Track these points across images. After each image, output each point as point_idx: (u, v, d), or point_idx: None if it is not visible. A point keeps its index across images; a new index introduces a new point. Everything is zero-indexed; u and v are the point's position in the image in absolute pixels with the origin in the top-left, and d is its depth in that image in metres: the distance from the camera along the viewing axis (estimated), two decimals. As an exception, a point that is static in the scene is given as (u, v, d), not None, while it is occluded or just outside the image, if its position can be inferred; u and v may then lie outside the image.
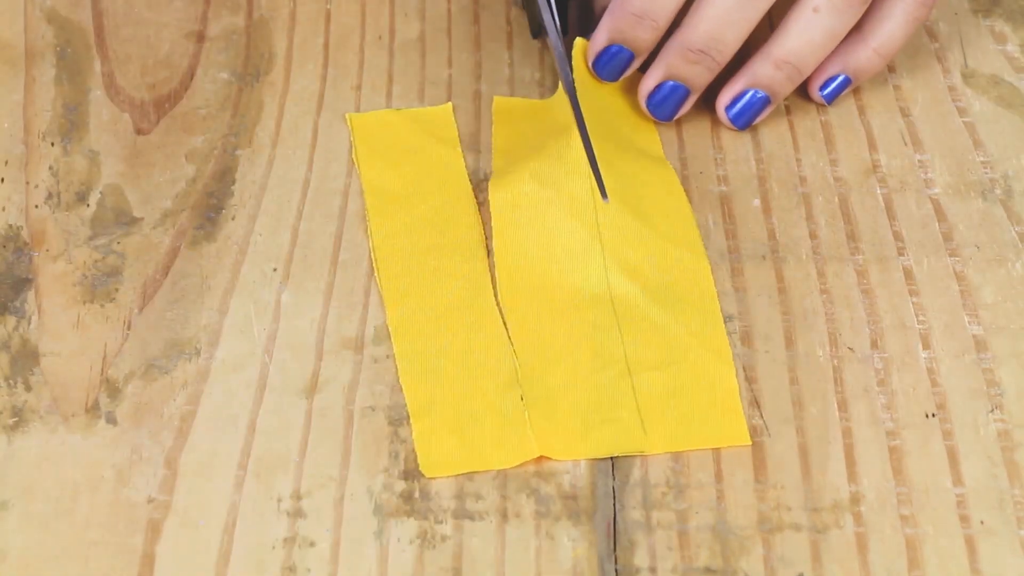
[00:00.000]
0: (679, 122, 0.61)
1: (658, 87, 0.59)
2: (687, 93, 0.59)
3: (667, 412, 0.50)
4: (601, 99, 0.60)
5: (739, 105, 0.59)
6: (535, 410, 0.50)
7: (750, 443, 0.49)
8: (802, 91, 0.61)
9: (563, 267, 0.54)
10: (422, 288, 0.54)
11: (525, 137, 0.60)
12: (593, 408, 0.50)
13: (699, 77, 0.59)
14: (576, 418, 0.50)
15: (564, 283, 0.54)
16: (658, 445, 0.49)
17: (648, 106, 0.60)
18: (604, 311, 0.53)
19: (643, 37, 0.58)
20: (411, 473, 0.49)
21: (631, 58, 0.59)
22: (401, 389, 0.51)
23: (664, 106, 0.59)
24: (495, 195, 0.57)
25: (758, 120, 0.60)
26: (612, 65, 0.59)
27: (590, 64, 0.59)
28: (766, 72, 0.59)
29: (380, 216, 0.57)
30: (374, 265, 0.55)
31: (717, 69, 0.58)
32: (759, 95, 0.59)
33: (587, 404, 0.50)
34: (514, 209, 0.56)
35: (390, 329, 0.53)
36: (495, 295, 0.54)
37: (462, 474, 0.49)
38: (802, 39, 0.58)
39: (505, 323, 0.53)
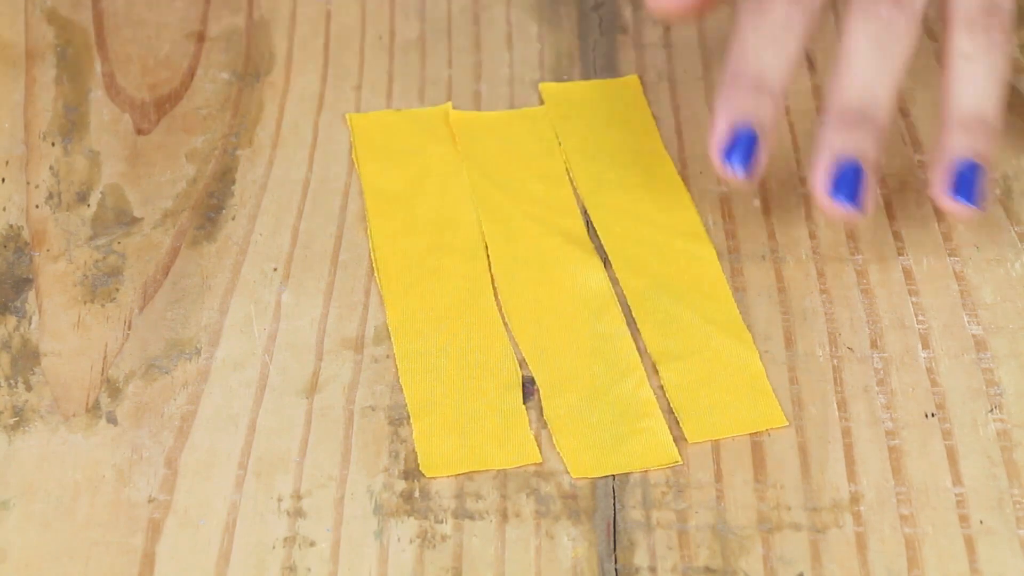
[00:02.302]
0: (679, 122, 0.61)
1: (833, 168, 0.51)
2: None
3: (700, 401, 0.50)
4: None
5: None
6: (559, 430, 0.50)
7: (787, 423, 0.49)
8: (800, 90, 0.61)
9: (563, 273, 0.54)
10: (422, 288, 0.54)
11: (493, 153, 0.59)
12: (619, 419, 0.50)
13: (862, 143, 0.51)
14: (603, 432, 0.50)
15: (566, 290, 0.54)
16: (695, 434, 0.49)
17: (829, 194, 0.51)
18: (611, 317, 0.53)
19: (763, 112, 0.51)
20: (411, 473, 0.49)
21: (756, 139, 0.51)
22: (401, 389, 0.51)
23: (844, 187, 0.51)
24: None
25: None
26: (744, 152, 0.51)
27: (720, 157, 0.52)
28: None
29: (380, 217, 0.57)
30: (374, 266, 0.55)
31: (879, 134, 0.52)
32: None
33: (612, 416, 0.50)
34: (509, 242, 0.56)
35: (390, 329, 0.53)
36: (497, 303, 0.54)
37: (462, 474, 0.49)
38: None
39: (511, 336, 0.53)
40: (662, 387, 0.51)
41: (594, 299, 0.54)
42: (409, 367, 0.52)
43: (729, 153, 0.51)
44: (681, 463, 0.49)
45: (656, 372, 0.51)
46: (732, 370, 0.51)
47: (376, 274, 0.55)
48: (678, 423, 0.50)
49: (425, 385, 0.51)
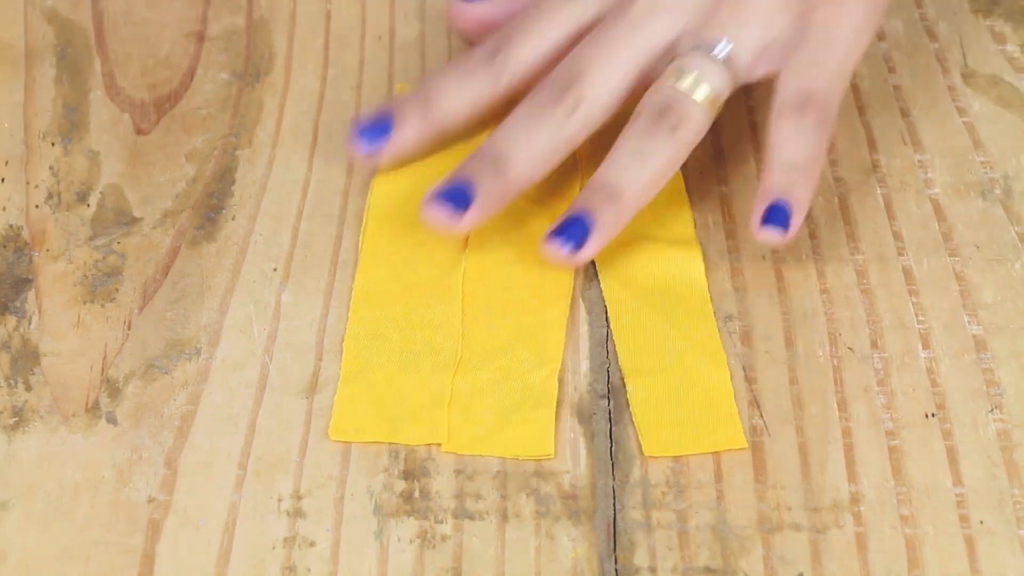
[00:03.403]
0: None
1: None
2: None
3: (662, 417, 0.50)
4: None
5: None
6: (455, 403, 0.50)
7: (746, 446, 0.49)
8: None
9: (534, 258, 0.54)
10: (399, 257, 0.55)
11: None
12: (514, 406, 0.50)
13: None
14: (493, 414, 0.50)
15: (531, 273, 0.54)
16: (653, 449, 0.49)
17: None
18: (559, 306, 0.53)
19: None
20: (411, 473, 0.49)
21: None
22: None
23: None
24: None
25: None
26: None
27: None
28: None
29: (384, 178, 0.57)
30: (363, 228, 0.55)
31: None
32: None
33: (509, 401, 0.50)
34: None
35: (352, 292, 0.53)
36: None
37: (462, 473, 0.49)
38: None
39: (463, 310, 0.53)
40: (627, 400, 0.51)
41: (552, 286, 0.54)
42: (356, 332, 0.52)
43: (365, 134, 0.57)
44: (552, 457, 0.49)
45: (623, 384, 0.51)
46: (700, 389, 0.51)
47: (361, 236, 0.55)
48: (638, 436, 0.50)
49: (364, 352, 0.51)
